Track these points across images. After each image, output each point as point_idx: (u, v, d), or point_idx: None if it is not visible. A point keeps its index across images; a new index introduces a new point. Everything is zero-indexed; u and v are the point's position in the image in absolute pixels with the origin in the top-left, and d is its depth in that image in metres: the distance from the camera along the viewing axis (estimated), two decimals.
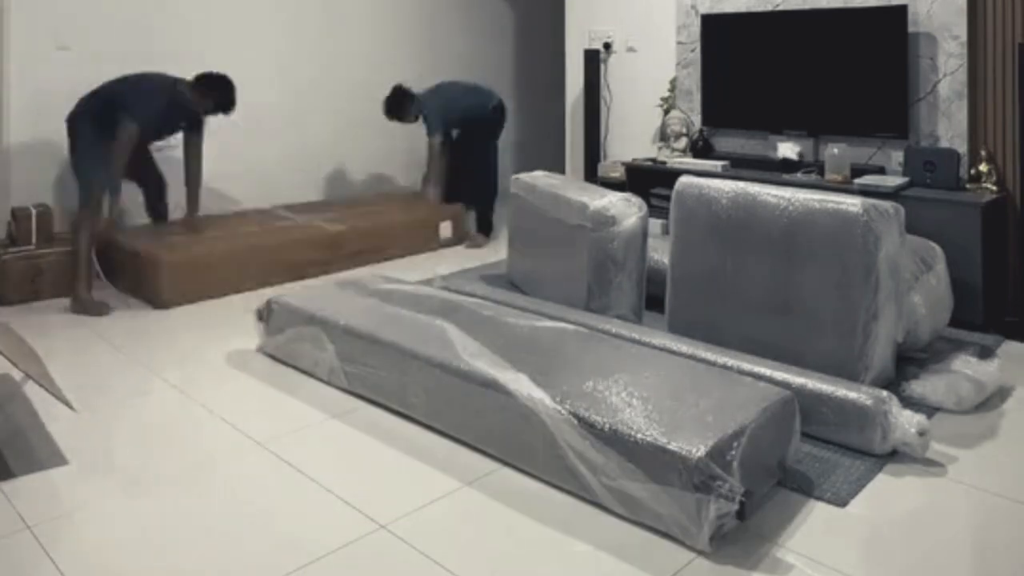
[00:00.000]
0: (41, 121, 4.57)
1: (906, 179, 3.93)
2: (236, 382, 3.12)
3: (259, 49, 5.58)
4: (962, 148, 3.91)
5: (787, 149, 4.46)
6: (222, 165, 5.21)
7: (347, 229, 4.84)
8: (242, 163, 5.45)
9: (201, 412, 2.86)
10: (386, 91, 5.42)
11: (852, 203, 2.73)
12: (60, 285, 4.13)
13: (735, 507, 1.97)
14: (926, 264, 3.33)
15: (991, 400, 2.87)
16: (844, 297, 2.73)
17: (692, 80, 5.04)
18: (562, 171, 5.82)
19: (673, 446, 2.05)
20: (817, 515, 2.19)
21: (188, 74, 4.52)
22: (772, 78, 4.58)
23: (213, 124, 4.70)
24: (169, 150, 5.17)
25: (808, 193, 2.86)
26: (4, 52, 4.54)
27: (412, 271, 4.54)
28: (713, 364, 2.70)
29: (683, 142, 4.96)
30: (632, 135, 5.40)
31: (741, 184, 3.02)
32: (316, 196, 5.88)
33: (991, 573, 1.97)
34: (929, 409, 2.76)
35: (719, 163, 4.58)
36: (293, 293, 3.53)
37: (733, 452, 2.05)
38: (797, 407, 2.38)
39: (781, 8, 4.60)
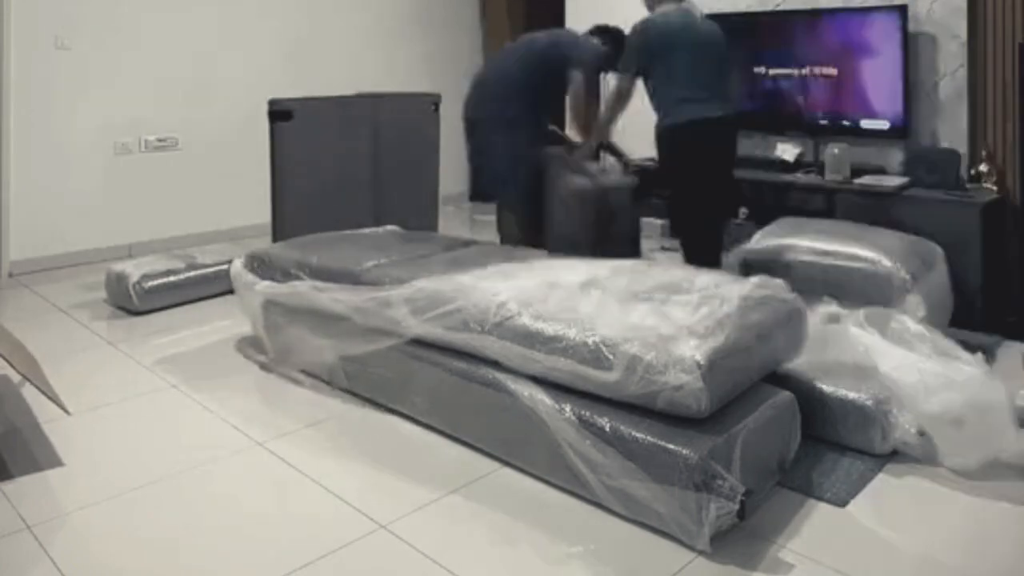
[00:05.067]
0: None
1: (906, 179, 3.93)
2: (235, 381, 3.12)
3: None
4: (962, 148, 3.91)
5: (787, 149, 4.46)
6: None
7: None
8: None
9: (200, 412, 2.85)
10: None
11: None
12: None
13: (735, 507, 1.96)
14: (926, 264, 3.33)
15: None
16: None
17: None
18: None
19: (673, 446, 2.05)
20: (817, 515, 2.18)
21: None
22: (772, 78, 4.58)
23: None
24: (168, 149, 5.19)
25: None
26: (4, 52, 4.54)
27: None
28: None
29: None
30: (632, 135, 5.39)
31: None
32: None
33: (991, 573, 1.97)
34: None
35: None
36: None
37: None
38: (797, 408, 2.38)
39: (781, 8, 4.60)
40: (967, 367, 2.53)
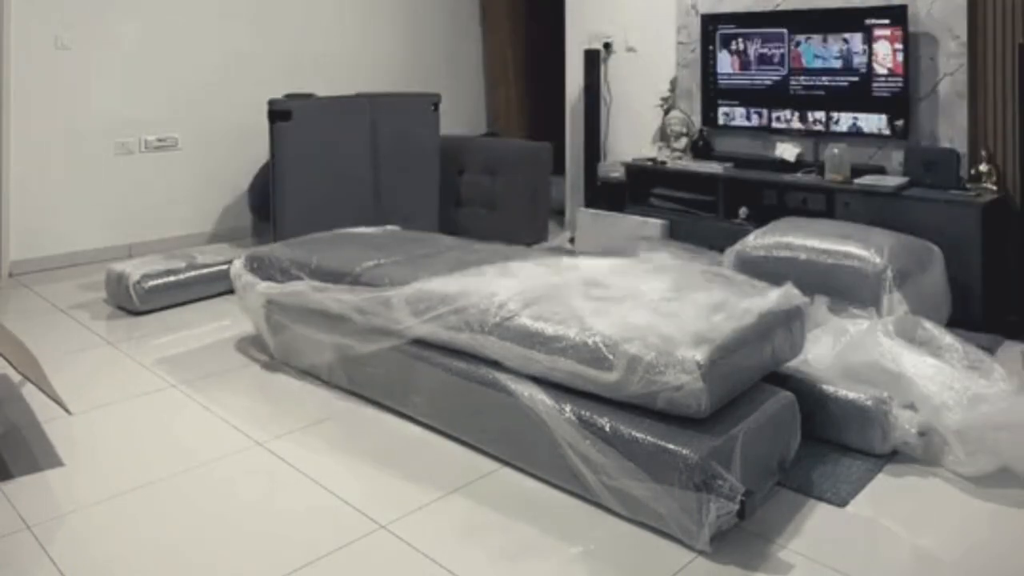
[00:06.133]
0: None
1: (906, 179, 3.93)
2: (235, 381, 3.12)
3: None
4: (962, 148, 3.91)
5: (787, 149, 4.46)
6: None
7: None
8: None
9: (200, 412, 2.85)
10: None
11: None
12: None
13: (735, 507, 1.96)
14: (920, 264, 3.34)
15: None
16: None
17: (692, 80, 5.04)
18: (561, 170, 5.81)
19: (673, 446, 2.05)
20: (817, 515, 2.18)
21: None
22: (772, 78, 4.58)
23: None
24: (168, 149, 5.19)
25: None
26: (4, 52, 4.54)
27: None
28: None
29: (683, 142, 4.96)
30: (632, 135, 5.40)
31: None
32: None
33: (990, 573, 1.97)
34: None
35: (719, 164, 4.59)
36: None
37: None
38: (797, 408, 2.38)
39: (781, 8, 4.60)
40: (998, 381, 2.52)
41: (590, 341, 2.25)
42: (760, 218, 4.13)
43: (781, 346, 2.42)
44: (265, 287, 3.19)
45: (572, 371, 2.26)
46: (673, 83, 5.16)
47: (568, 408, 2.25)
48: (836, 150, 4.12)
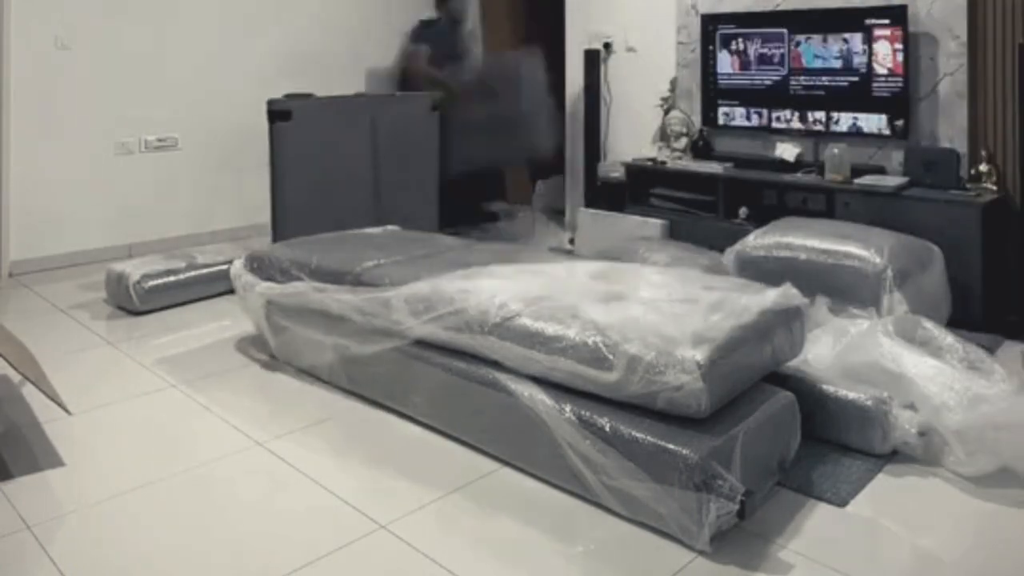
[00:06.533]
0: None
1: (906, 179, 3.93)
2: (235, 381, 3.12)
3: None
4: (962, 148, 3.91)
5: (787, 149, 4.46)
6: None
7: None
8: None
9: (200, 412, 2.85)
10: None
11: None
12: None
13: (735, 507, 1.96)
14: (920, 263, 3.34)
15: None
16: None
17: (692, 80, 5.04)
18: (561, 174, 5.81)
19: (673, 446, 2.05)
20: (817, 515, 2.18)
21: None
22: (772, 78, 4.58)
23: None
24: (168, 149, 5.19)
25: None
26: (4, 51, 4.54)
27: None
28: None
29: (683, 142, 4.96)
30: (632, 135, 5.40)
31: None
32: None
33: (991, 573, 1.97)
34: None
35: (719, 164, 4.58)
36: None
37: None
38: (797, 408, 2.38)
39: (781, 8, 4.60)
40: (998, 381, 2.52)
41: (590, 341, 2.25)
42: (760, 218, 4.13)
43: (781, 346, 2.42)
44: (265, 287, 3.19)
45: (572, 371, 2.27)
46: (673, 83, 5.15)
47: (568, 408, 2.25)
48: (836, 150, 4.11)
